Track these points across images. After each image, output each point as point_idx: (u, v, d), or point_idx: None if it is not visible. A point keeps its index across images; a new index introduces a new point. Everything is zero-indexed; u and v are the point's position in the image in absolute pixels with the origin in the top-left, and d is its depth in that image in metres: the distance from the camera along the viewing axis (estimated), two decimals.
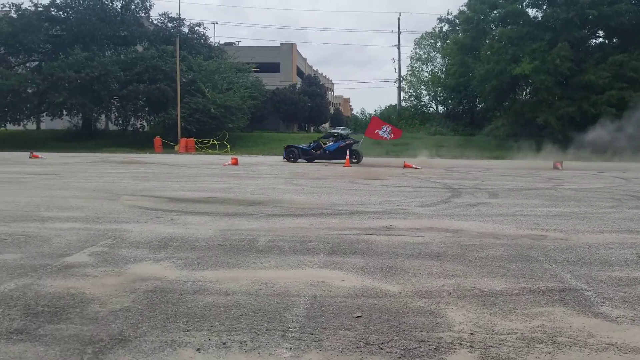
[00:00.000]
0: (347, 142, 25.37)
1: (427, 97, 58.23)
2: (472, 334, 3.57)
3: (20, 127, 46.34)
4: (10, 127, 45.59)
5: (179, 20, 51.00)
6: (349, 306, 4.11)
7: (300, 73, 75.39)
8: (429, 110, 57.57)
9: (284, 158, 26.66)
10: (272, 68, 66.25)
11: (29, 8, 45.97)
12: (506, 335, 3.56)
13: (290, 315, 3.91)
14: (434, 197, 11.60)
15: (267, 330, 3.61)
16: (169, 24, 51.05)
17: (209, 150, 38.16)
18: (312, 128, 71.08)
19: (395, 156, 33.35)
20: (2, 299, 4.14)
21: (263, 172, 18.91)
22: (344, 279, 4.88)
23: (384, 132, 26.05)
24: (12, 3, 45.71)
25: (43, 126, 52.91)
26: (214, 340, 3.44)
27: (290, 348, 3.32)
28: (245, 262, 5.45)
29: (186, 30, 51.50)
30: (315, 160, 26.07)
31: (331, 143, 25.79)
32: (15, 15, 45.33)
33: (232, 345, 3.37)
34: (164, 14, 51.12)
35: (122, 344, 3.35)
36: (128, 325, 3.66)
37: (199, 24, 52.83)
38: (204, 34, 52.58)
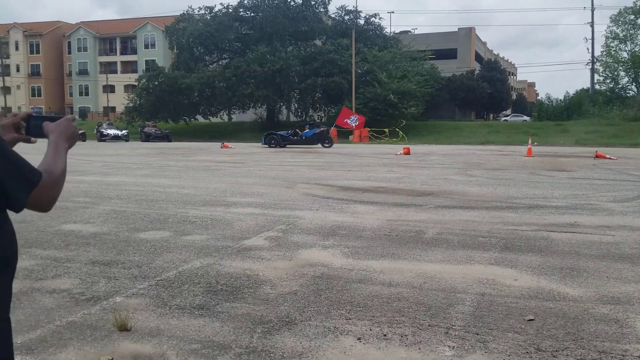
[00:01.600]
0: (322, 129, 28.38)
1: (626, 79, 51.83)
2: None
3: (217, 119, 51.48)
4: (198, 119, 50.84)
5: (355, 13, 52.11)
6: (520, 308, 3.81)
7: (479, 58, 72.26)
8: (628, 93, 51.22)
9: (263, 144, 28.77)
10: (449, 54, 64.44)
11: (221, 10, 50.72)
12: None
13: (455, 312, 3.75)
14: (630, 191, 10.29)
15: (429, 325, 3.50)
16: (346, 17, 52.42)
17: (385, 139, 38.45)
18: (491, 115, 67.81)
19: (582, 146, 30.34)
20: (189, 276, 4.60)
21: (435, 162, 18.53)
22: (517, 278, 4.55)
23: (352, 120, 29.92)
24: (205, 6, 51.04)
25: (234, 118, 58.13)
26: (375, 331, 3.43)
27: (453, 347, 3.18)
28: (411, 254, 5.36)
29: (362, 22, 52.45)
30: (291, 146, 27.64)
31: (307, 130, 28.28)
32: (209, 17, 50.38)
33: (392, 337, 3.32)
34: (341, 8, 52.66)
35: (288, 326, 3.50)
36: (295, 309, 3.82)
37: (374, 15, 53.46)
38: (379, 25, 53.09)
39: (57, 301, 3.95)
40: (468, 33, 68.95)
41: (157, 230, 6.47)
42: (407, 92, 42.09)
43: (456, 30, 69.35)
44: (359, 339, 3.31)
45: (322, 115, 50.87)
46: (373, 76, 43.33)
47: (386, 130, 39.45)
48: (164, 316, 3.67)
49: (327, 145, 27.54)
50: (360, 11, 53.83)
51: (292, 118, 52.60)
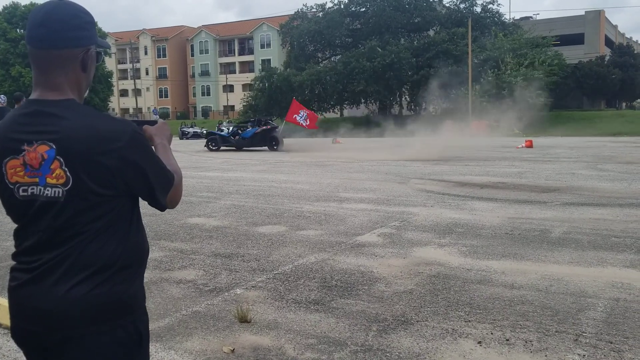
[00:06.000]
0: (264, 127, 22.97)
1: None
2: None
3: (329, 115, 52.25)
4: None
5: (472, 0, 50.26)
6: None
7: (609, 43, 66.56)
8: None
9: (205, 146, 24.41)
10: (575, 39, 59.95)
11: (333, 7, 51.29)
12: None
13: (585, 318, 3.46)
14: None
15: (556, 331, 3.26)
16: (461, 5, 50.74)
17: (508, 130, 36.66)
18: (623, 104, 62.27)
19: None
20: (304, 270, 4.67)
21: (561, 156, 17.34)
22: None
23: (301, 117, 22.97)
24: (317, 4, 51.87)
25: (345, 113, 58.54)
26: (497, 335, 3.25)
27: (584, 355, 2.93)
28: (535, 255, 5.03)
29: (479, 9, 50.49)
30: (239, 149, 23.41)
31: (248, 129, 23.38)
32: (320, 15, 51.16)
33: (515, 342, 3.13)
34: None
35: (404, 326, 3.42)
36: (411, 308, 3.73)
37: (492, 2, 51.18)
38: (497, 12, 50.77)
39: (183, 291, 4.18)
40: (597, 16, 63.67)
41: (274, 225, 6.65)
42: (532, 80, 39.67)
43: (583, 13, 64.38)
44: (479, 342, 3.15)
45: (436, 107, 49.71)
46: (490, 65, 41.50)
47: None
48: (281, 309, 3.75)
49: (275, 147, 22.69)
50: None
51: (405, 112, 51.91)
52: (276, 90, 47.16)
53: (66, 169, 1.34)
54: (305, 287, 4.22)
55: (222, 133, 24.64)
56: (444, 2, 51.70)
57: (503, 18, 51.45)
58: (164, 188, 1.50)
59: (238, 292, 4.13)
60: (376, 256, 5.08)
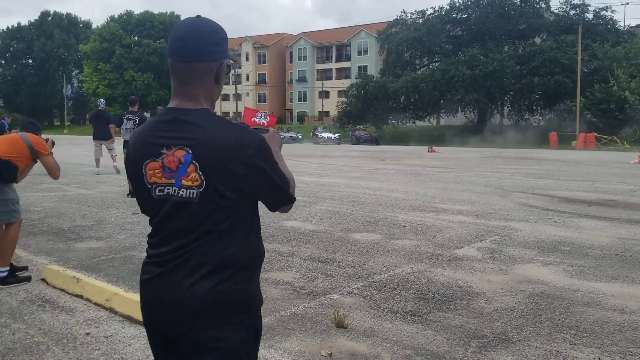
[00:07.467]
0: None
1: None
2: None
3: (424, 123, 51.50)
4: (405, 123, 51.21)
5: (583, 7, 47.55)
6: None
7: None
8: None
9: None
10: None
11: (433, 13, 50.54)
12: None
13: None
14: None
15: None
16: (571, 12, 48.17)
17: (618, 145, 34.28)
18: None
19: None
20: (400, 280, 4.64)
21: None
22: None
23: (260, 118, 20.77)
24: (417, 10, 51.37)
25: (442, 122, 57.37)
26: None
27: None
28: None
29: (590, 16, 47.64)
30: None
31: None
32: (420, 22, 50.56)
33: None
34: (566, 2, 48.49)
35: (505, 344, 3.32)
36: (512, 327, 3.60)
37: (605, 8, 48.22)
38: (611, 19, 47.66)
39: (281, 292, 4.31)
40: None
41: (369, 232, 6.67)
42: None
43: None
44: None
45: (540, 118, 47.46)
46: (603, 74, 38.88)
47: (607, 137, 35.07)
48: (377, 318, 3.75)
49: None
50: (588, 4, 48.77)
51: (506, 122, 50.04)
52: (371, 97, 47.24)
53: (200, 173, 1.45)
54: (402, 297, 4.20)
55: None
56: (552, 9, 49.32)
57: (617, 25, 48.21)
58: (280, 195, 1.58)
59: (334, 298, 4.18)
60: (475, 271, 4.95)
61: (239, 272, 1.52)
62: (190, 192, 1.47)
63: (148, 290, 1.56)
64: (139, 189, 1.57)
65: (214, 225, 1.48)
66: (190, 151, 1.46)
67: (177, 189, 1.49)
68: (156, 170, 1.51)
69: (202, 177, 1.45)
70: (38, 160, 4.68)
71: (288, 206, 1.62)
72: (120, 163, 12.87)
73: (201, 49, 1.50)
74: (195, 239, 1.49)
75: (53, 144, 4.91)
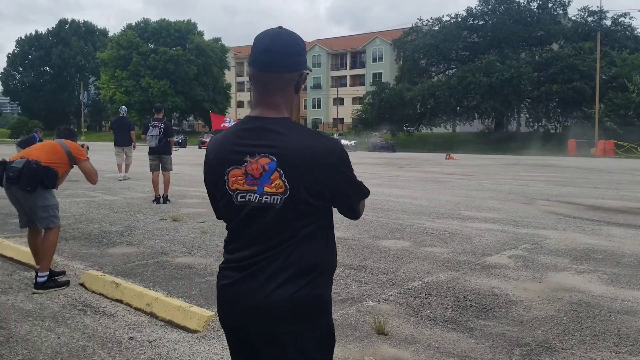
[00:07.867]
0: None
1: None
2: None
3: (440, 130, 51.32)
4: (420, 130, 51.12)
5: (600, 13, 47.25)
6: None
7: None
8: None
9: None
10: None
11: (449, 20, 50.49)
12: None
13: None
14: None
15: None
16: (589, 18, 47.88)
17: (638, 152, 33.87)
18: None
19: None
20: (435, 288, 4.63)
21: None
22: None
23: (228, 122, 23.39)
24: (433, 17, 51.40)
25: (458, 129, 57.11)
26: None
27: None
28: None
29: (608, 23, 47.35)
30: None
31: None
32: (436, 28, 50.52)
33: None
34: (584, 9, 48.23)
35: (548, 352, 3.30)
36: (554, 335, 3.58)
37: (624, 14, 47.88)
38: (629, 25, 47.32)
39: None
40: None
41: (397, 240, 6.66)
42: None
43: None
44: None
45: (557, 125, 47.07)
46: (621, 82, 38.55)
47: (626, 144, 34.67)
48: (417, 325, 3.75)
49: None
50: (607, 11, 48.53)
51: (523, 129, 49.72)
52: (386, 104, 47.21)
53: (285, 180, 1.48)
54: (439, 305, 4.19)
55: None
56: (569, 15, 49.03)
57: (635, 32, 47.81)
58: (360, 199, 1.65)
59: (371, 304, 4.19)
60: (509, 279, 4.92)
61: (318, 278, 1.55)
62: (274, 199, 1.50)
63: (228, 295, 1.58)
64: (219, 195, 1.60)
65: (296, 231, 1.51)
66: (275, 159, 1.49)
67: (258, 196, 1.51)
68: (239, 177, 1.54)
69: (287, 184, 1.48)
70: (75, 165, 4.76)
71: (362, 208, 1.69)
72: (144, 170, 12.97)
73: (285, 60, 1.53)
74: (277, 245, 1.51)
75: (88, 148, 4.99)
